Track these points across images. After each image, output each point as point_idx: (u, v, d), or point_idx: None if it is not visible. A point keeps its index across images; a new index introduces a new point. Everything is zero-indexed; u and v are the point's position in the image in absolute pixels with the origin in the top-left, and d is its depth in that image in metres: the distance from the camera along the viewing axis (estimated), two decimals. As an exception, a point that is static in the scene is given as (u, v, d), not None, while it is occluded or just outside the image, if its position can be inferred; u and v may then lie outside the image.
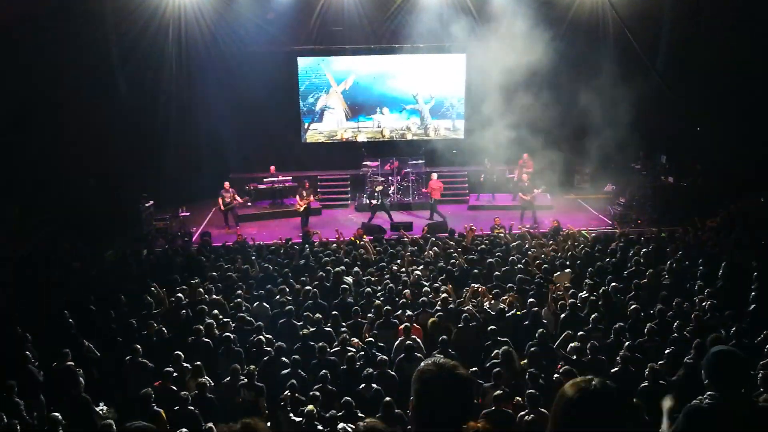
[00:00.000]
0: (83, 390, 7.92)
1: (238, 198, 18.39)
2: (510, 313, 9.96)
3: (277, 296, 10.84)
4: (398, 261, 13.22)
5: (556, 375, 7.82)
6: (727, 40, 17.25)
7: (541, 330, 9.08)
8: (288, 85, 21.51)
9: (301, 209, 17.85)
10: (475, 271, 11.90)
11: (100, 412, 7.89)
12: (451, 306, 10.14)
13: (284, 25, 20.10)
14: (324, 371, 8.05)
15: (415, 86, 21.90)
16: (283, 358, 8.69)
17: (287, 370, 8.37)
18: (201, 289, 11.16)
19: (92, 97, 16.68)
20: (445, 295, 10.39)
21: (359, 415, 7.17)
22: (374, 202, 18.72)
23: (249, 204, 19.43)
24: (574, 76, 18.83)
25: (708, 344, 7.74)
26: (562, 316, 9.66)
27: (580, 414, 2.18)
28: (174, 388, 7.97)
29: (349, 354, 8.55)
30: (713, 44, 17.42)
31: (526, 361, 8.48)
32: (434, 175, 19.48)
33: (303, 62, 21.54)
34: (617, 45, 18.72)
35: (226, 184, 18.29)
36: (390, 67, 21.79)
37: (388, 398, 7.24)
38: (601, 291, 10.44)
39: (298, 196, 18.11)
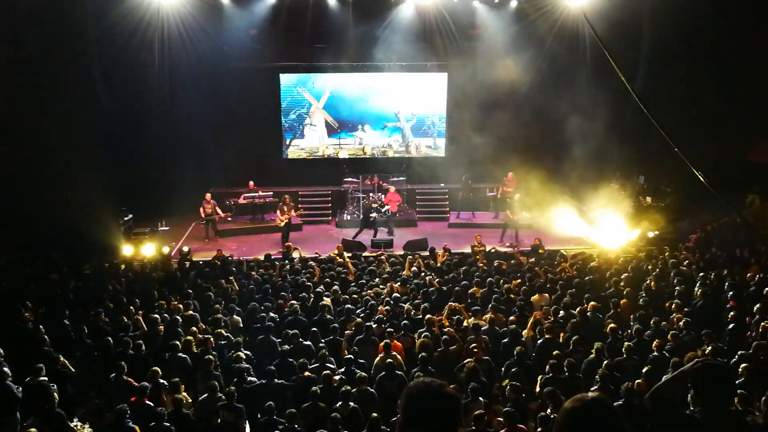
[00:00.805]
0: (57, 405, 7.79)
1: (219, 211, 18.35)
2: (484, 328, 9.97)
3: (256, 312, 10.78)
4: (377, 278, 13.21)
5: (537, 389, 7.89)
6: (705, 61, 17.62)
7: (519, 348, 9.11)
8: (270, 100, 21.55)
9: (282, 225, 17.80)
10: (457, 288, 11.90)
11: (74, 427, 7.75)
12: (434, 328, 10.13)
13: (267, 41, 20.18)
14: (314, 388, 8.00)
15: (397, 104, 22.05)
16: (256, 378, 8.66)
17: (265, 387, 8.32)
18: (180, 305, 11.05)
19: (72, 111, 16.55)
20: (429, 315, 10.38)
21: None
22: (373, 216, 18.66)
23: (229, 219, 19.34)
24: (554, 95, 19.08)
25: (685, 363, 7.83)
26: (539, 341, 9.67)
27: (578, 422, 2.29)
28: (150, 404, 7.86)
29: (325, 372, 8.50)
30: (692, 66, 17.77)
31: (507, 380, 8.49)
32: (392, 188, 19.56)
33: (285, 79, 21.61)
34: (596, 65, 18.98)
35: (208, 196, 18.29)
36: (372, 85, 21.91)
37: (374, 414, 7.22)
38: (578, 310, 10.52)
39: (278, 212, 18.07)
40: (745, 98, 17.29)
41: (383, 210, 19.21)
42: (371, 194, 20.21)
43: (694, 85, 17.67)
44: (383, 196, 20.02)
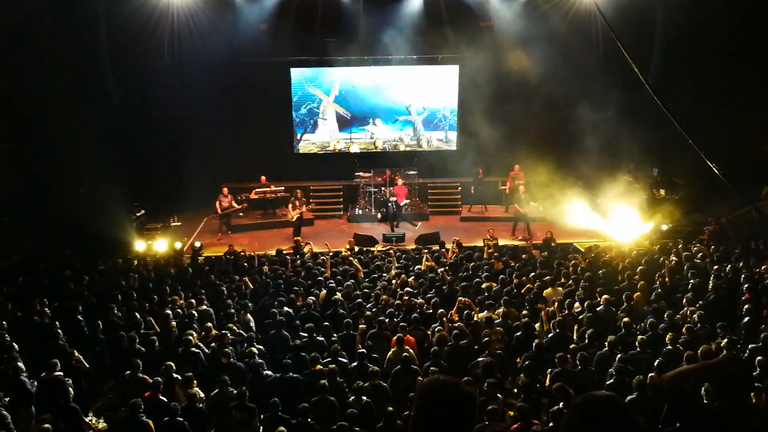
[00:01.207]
0: (72, 400, 7.85)
1: (235, 204, 18.39)
2: (497, 322, 9.93)
3: (269, 307, 10.81)
4: (388, 273, 13.18)
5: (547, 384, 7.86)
6: (719, 51, 17.43)
7: (536, 341, 9.08)
8: (281, 95, 21.55)
9: (294, 219, 17.83)
10: (464, 283, 11.86)
11: (89, 421, 7.81)
12: (445, 319, 10.12)
13: (277, 35, 20.17)
14: (323, 382, 8.00)
15: (408, 97, 21.98)
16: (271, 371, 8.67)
17: (277, 381, 8.34)
18: (193, 301, 11.09)
19: (84, 106, 16.63)
20: (442, 310, 10.36)
21: (356, 429, 7.13)
22: (381, 214, 18.60)
23: (241, 214, 19.38)
24: (566, 86, 18.94)
25: (700, 357, 7.79)
26: (549, 335, 9.61)
27: (587, 420, 2.25)
28: (164, 399, 7.89)
29: (331, 366, 8.50)
30: (705, 57, 17.58)
31: (522, 375, 8.44)
32: (399, 181, 19.50)
33: (296, 73, 21.59)
34: (609, 57, 18.82)
35: (225, 190, 18.33)
36: (383, 79, 21.86)
37: (390, 408, 7.23)
38: (586, 305, 10.44)
39: (290, 206, 18.09)
40: (760, 89, 17.07)
41: (390, 202, 19.10)
42: (382, 188, 20.19)
43: (708, 75, 17.47)
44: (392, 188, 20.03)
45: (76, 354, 9.07)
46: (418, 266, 13.37)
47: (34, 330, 10.01)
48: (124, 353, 9.18)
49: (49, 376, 8.28)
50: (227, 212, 18.27)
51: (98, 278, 12.90)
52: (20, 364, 8.45)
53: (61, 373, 8.35)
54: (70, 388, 8.09)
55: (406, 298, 11.10)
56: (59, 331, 9.67)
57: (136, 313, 10.55)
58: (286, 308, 10.78)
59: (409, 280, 12.30)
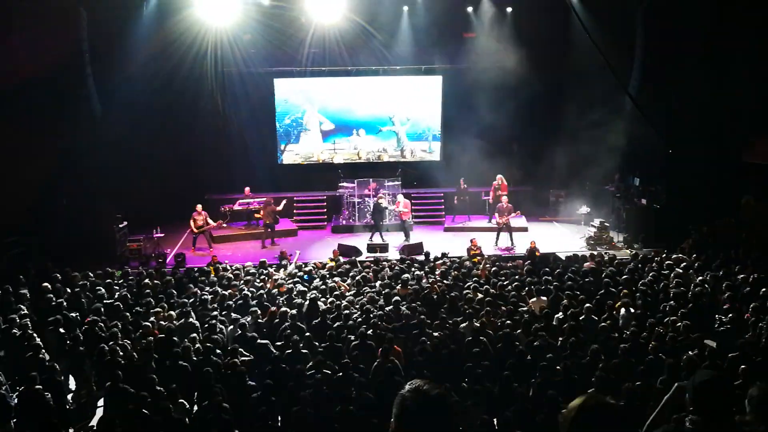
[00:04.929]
0: (52, 415, 7.74)
1: (210, 222, 18.13)
2: (480, 332, 9.94)
3: (253, 318, 10.76)
4: (373, 283, 13.16)
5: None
6: (699, 62, 17.69)
7: (516, 350, 9.09)
8: (264, 106, 21.54)
9: (269, 222, 18.25)
10: (452, 294, 11.88)
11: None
12: (428, 330, 10.11)
13: (261, 46, 20.19)
14: (306, 391, 7.97)
15: (392, 108, 22.08)
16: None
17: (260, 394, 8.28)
18: (173, 312, 11.00)
19: (66, 117, 16.52)
20: (423, 317, 10.36)
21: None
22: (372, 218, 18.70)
23: (224, 225, 19.22)
24: (550, 97, 19.08)
25: (684, 365, 7.85)
26: (536, 343, 9.63)
27: (581, 425, 2.33)
28: (146, 412, 7.80)
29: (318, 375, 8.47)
30: (686, 67, 17.82)
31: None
32: (400, 197, 19.49)
33: (279, 84, 21.61)
34: (592, 68, 19.04)
35: (198, 207, 18.06)
36: (367, 89, 21.95)
37: (375, 420, 7.21)
38: (569, 313, 10.49)
39: (263, 212, 18.46)
40: (740, 98, 17.30)
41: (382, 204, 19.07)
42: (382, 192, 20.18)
43: (689, 85, 17.69)
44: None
45: (57, 367, 8.96)
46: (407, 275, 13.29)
47: (14, 343, 9.87)
48: (106, 365, 9.07)
49: (29, 390, 8.16)
50: (202, 230, 18.04)
51: (80, 290, 12.75)
52: (1, 378, 8.33)
53: (41, 387, 8.23)
54: (51, 402, 7.97)
55: (392, 308, 11.08)
56: (40, 343, 9.55)
57: (119, 324, 10.44)
58: (266, 320, 10.73)
59: (396, 290, 12.26)
